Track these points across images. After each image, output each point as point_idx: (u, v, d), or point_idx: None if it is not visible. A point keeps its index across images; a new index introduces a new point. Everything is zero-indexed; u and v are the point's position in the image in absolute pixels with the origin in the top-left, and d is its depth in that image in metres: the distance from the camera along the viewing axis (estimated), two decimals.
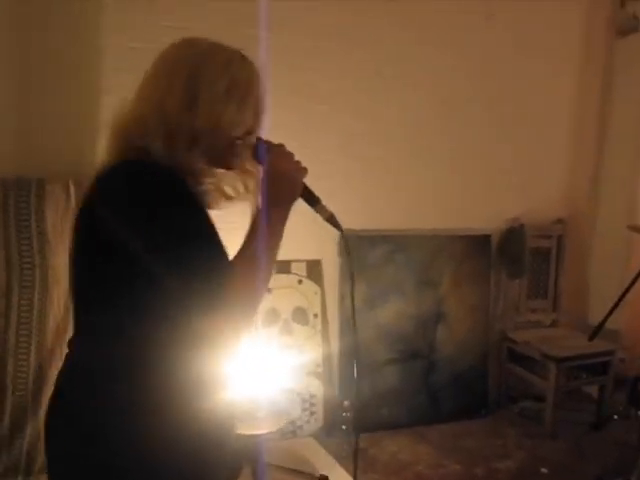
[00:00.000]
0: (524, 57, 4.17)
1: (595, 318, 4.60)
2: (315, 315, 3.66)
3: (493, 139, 4.17)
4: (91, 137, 2.89)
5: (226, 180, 1.64)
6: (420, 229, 3.96)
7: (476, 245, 4.15)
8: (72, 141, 3.00)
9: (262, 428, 2.91)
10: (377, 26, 3.73)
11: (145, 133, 1.47)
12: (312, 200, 1.63)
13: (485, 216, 4.19)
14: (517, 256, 4.22)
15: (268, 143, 1.60)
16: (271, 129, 3.20)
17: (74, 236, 1.52)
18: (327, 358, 3.73)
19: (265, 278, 1.53)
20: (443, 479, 3.40)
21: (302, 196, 1.60)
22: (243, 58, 1.59)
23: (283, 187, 1.55)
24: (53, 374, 2.87)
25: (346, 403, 3.52)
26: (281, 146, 1.59)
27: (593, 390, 4.28)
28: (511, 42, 4.12)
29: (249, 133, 1.57)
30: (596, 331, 2.84)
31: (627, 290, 2.83)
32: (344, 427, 3.51)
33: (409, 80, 3.87)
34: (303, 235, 3.55)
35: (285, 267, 3.54)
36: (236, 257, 1.53)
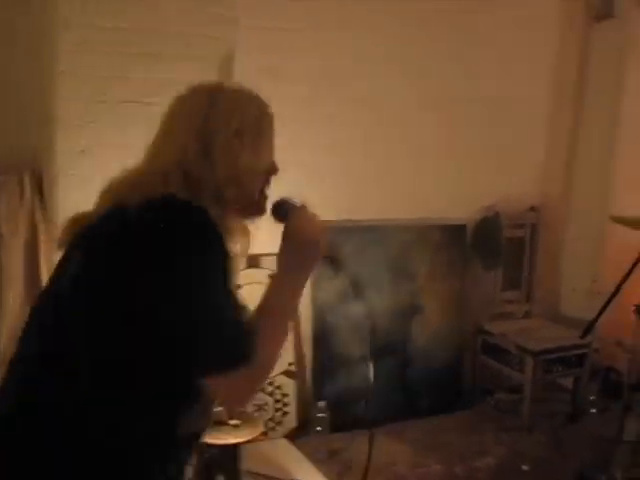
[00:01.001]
0: (500, 42, 4.02)
1: (567, 308, 4.54)
2: None
3: (468, 127, 4.03)
4: (47, 125, 2.68)
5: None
6: (395, 219, 3.81)
7: (451, 235, 4.02)
8: (26, 131, 2.77)
9: (237, 436, 2.73)
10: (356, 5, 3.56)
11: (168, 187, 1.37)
12: (334, 261, 1.59)
13: (460, 205, 4.06)
14: (493, 247, 4.10)
15: (291, 203, 1.53)
16: None
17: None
18: (300, 355, 3.56)
19: (279, 346, 1.46)
20: None
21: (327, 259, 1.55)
22: (252, 96, 1.53)
23: (307, 253, 1.50)
24: None
25: (321, 403, 3.36)
26: (304, 208, 1.53)
27: (567, 381, 4.20)
28: (488, 26, 3.97)
29: (270, 174, 1.53)
30: (589, 327, 2.73)
31: (620, 284, 2.72)
32: (319, 428, 3.35)
33: (384, 66, 3.69)
34: (270, 227, 3.38)
35: (254, 261, 3.36)
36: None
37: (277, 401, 3.47)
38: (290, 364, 3.51)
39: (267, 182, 1.53)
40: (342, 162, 3.63)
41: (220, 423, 2.81)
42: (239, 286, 1.49)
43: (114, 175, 1.43)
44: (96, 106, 2.75)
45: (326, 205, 3.52)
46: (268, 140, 1.52)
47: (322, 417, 3.38)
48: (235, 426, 2.79)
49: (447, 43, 3.86)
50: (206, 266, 1.31)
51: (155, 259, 1.29)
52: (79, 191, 2.50)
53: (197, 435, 1.48)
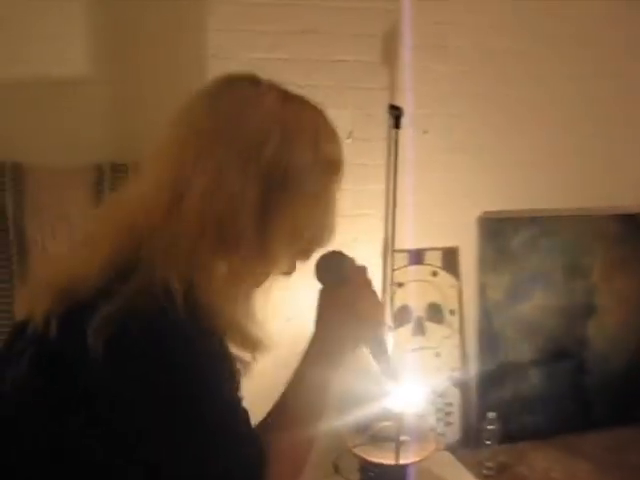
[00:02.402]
0: None
1: None
2: (451, 312, 3.16)
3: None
4: None
5: None
6: (568, 209, 3.40)
7: (629, 225, 3.56)
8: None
9: (410, 455, 2.45)
10: None
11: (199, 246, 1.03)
12: (380, 350, 1.22)
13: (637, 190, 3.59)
14: None
15: (346, 262, 1.19)
16: (396, 94, 2.69)
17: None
18: (464, 361, 3.24)
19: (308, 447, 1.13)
20: None
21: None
22: (327, 123, 1.17)
23: (357, 331, 1.16)
24: None
25: (490, 415, 3.02)
26: (364, 270, 1.19)
27: None
28: None
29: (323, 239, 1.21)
30: None
31: None
32: (488, 442, 3.02)
33: (549, 50, 3.25)
34: (437, 218, 3.07)
35: (418, 257, 3.03)
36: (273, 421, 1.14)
37: (440, 410, 3.16)
38: (454, 369, 3.19)
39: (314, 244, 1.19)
40: (509, 145, 3.25)
41: (386, 439, 2.55)
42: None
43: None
44: None
45: (494, 193, 3.25)
46: (334, 195, 1.16)
47: (491, 429, 3.04)
48: (404, 443, 2.52)
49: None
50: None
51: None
52: None
53: None
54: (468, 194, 3.14)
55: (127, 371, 0.97)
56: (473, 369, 3.26)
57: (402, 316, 3.08)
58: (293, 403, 1.13)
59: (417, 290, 3.07)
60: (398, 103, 2.58)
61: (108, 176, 2.51)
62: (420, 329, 3.10)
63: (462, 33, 2.96)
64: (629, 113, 3.51)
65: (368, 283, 1.19)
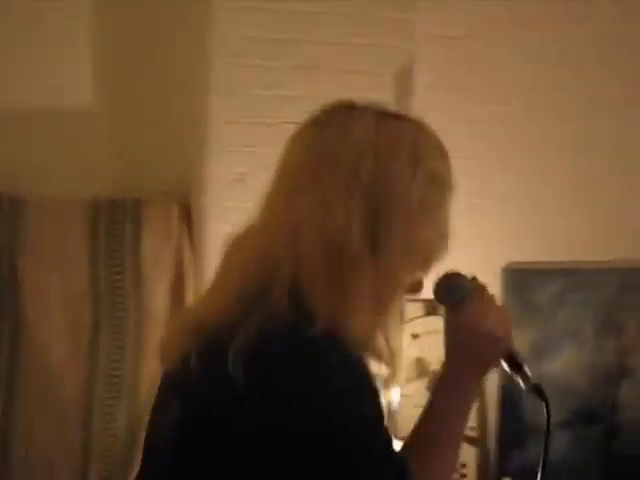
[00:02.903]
0: None
1: None
2: None
3: None
4: (198, 151, 2.40)
5: None
6: (600, 261, 3.21)
7: None
8: (175, 152, 2.52)
9: None
10: None
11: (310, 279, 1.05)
12: (514, 364, 1.26)
13: None
14: None
15: (466, 284, 1.21)
16: None
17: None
18: (482, 419, 3.07)
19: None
20: None
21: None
22: (429, 139, 1.19)
23: (488, 353, 1.19)
24: None
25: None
26: (484, 289, 1.22)
27: None
28: None
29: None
30: None
31: None
32: None
33: (576, 87, 3.09)
34: (456, 267, 2.92)
35: (434, 308, 2.88)
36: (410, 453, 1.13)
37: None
38: (471, 429, 3.01)
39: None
40: (537, 190, 3.09)
41: None
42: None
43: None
44: (254, 128, 2.44)
45: (518, 243, 3.08)
46: (448, 208, 1.18)
47: None
48: None
49: None
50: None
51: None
52: (234, 225, 2.22)
53: None
54: (490, 243, 2.99)
55: (271, 390, 0.99)
56: (492, 429, 3.10)
57: (417, 370, 2.94)
58: (434, 439, 1.15)
59: (433, 342, 2.91)
60: None
61: (105, 212, 2.48)
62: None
63: (478, 72, 2.84)
64: None
65: (491, 298, 1.22)
